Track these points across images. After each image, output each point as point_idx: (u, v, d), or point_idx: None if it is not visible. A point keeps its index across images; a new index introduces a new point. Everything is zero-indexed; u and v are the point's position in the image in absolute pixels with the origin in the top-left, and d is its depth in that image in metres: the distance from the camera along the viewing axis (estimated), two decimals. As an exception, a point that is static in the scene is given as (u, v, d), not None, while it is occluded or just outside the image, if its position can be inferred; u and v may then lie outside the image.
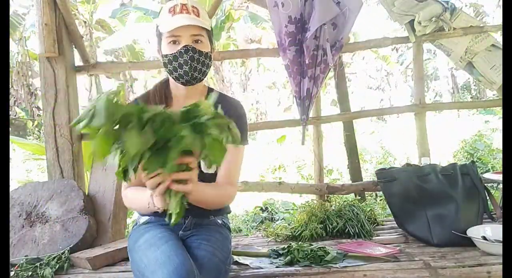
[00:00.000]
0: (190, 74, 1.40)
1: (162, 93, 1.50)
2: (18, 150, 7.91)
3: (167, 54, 1.40)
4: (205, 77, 1.46)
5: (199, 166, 1.41)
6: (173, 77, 1.45)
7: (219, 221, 1.57)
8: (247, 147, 1.55)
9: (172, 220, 1.06)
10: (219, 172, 1.46)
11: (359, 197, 2.70)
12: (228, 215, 1.66)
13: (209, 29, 1.44)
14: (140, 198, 1.30)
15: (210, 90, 1.57)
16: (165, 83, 1.54)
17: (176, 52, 1.38)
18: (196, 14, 1.38)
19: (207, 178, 1.43)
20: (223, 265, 1.42)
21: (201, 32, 1.40)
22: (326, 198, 2.65)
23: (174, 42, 1.39)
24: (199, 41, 1.40)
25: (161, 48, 1.44)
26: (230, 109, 1.40)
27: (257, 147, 7.22)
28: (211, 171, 1.45)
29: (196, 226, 1.51)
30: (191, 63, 1.38)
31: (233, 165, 1.44)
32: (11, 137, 4.06)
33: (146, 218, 1.54)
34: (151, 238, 1.37)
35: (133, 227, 1.58)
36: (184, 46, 1.37)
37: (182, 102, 1.41)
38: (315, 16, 2.36)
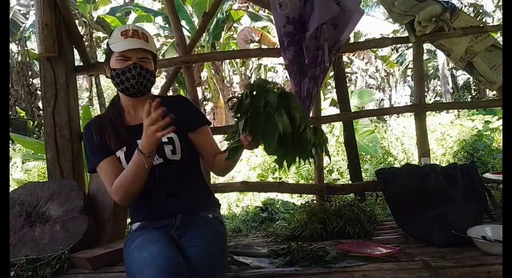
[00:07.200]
0: (136, 87, 1.56)
1: (115, 107, 1.66)
2: (18, 150, 7.91)
3: (115, 68, 1.55)
4: (148, 91, 1.64)
5: (164, 154, 1.54)
6: (119, 89, 1.60)
7: (210, 215, 1.62)
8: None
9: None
10: (212, 148, 1.64)
11: (359, 197, 2.69)
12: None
13: (155, 53, 1.63)
14: (128, 167, 1.46)
15: (155, 96, 1.73)
16: (116, 98, 1.70)
17: (125, 67, 1.54)
18: (145, 40, 1.57)
19: (173, 164, 1.56)
20: (217, 259, 1.45)
21: (147, 55, 1.58)
22: (326, 198, 2.65)
23: (124, 60, 1.55)
24: (145, 62, 1.57)
25: (109, 63, 1.59)
26: (174, 104, 1.58)
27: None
28: (176, 157, 1.57)
29: (188, 225, 1.55)
30: (138, 78, 1.54)
31: (214, 140, 1.69)
32: (11, 134, 4.06)
33: (138, 224, 1.60)
34: (141, 241, 1.42)
35: (127, 235, 1.63)
36: (133, 63, 1.54)
37: (133, 112, 1.64)
38: (315, 16, 2.36)
